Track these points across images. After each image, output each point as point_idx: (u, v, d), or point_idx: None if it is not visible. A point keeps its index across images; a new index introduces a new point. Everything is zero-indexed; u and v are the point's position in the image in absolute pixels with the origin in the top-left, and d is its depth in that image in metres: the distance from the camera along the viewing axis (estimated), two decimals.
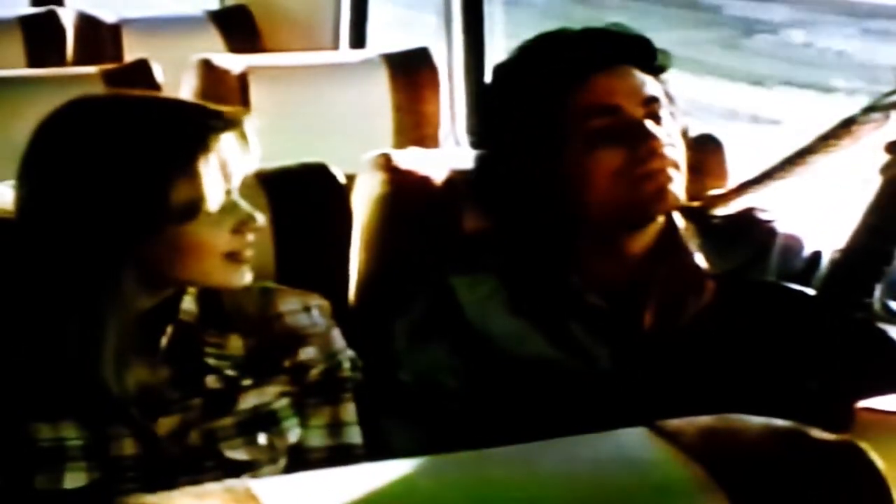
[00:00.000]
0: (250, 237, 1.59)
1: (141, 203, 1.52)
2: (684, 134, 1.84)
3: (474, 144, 1.88)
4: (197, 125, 1.56)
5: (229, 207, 1.57)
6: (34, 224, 1.56)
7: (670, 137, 1.78)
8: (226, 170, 1.56)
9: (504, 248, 1.85)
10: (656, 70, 1.83)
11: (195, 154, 1.54)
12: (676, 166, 1.77)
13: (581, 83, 1.77)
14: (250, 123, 1.60)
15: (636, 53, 1.82)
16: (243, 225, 1.58)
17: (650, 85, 1.80)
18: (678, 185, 1.77)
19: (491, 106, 1.88)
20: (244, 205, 1.59)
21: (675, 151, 1.78)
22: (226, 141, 1.57)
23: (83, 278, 1.53)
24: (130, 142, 1.54)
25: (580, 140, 1.76)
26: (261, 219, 1.61)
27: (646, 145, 1.74)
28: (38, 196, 1.57)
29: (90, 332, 1.53)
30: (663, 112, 1.79)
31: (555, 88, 1.78)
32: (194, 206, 1.54)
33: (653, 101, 1.79)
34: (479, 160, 1.86)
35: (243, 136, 1.59)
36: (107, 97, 1.67)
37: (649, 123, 1.76)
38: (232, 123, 1.58)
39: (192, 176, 1.53)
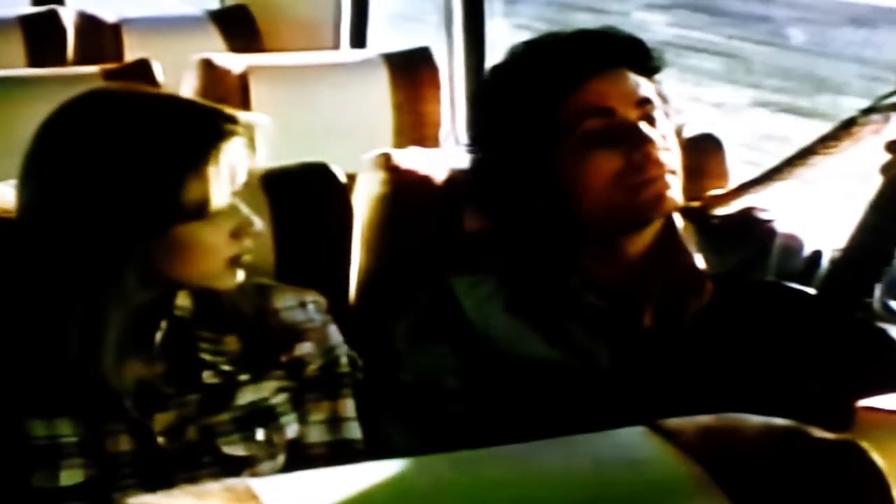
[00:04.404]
0: (248, 242, 1.59)
1: (153, 200, 1.52)
2: (678, 133, 1.84)
3: (470, 147, 1.88)
4: (212, 127, 1.56)
5: (230, 211, 1.57)
6: (40, 220, 1.55)
7: (666, 140, 1.77)
8: (234, 173, 1.57)
9: (504, 248, 1.85)
10: (650, 71, 1.83)
11: (208, 155, 1.54)
12: (673, 170, 1.77)
13: (575, 86, 1.77)
14: (260, 131, 1.61)
15: (629, 55, 1.82)
16: (242, 229, 1.58)
17: (644, 86, 1.80)
18: (676, 189, 1.77)
19: (486, 109, 1.87)
20: (244, 209, 1.59)
21: (671, 155, 1.77)
22: (236, 145, 1.57)
23: (87, 274, 1.52)
24: (146, 139, 1.54)
25: (575, 143, 1.76)
26: (259, 224, 1.61)
27: (641, 149, 1.74)
28: (47, 190, 1.55)
29: (91, 327, 1.53)
30: (657, 113, 1.79)
31: (548, 92, 1.77)
32: (202, 206, 1.54)
33: (647, 102, 1.78)
34: (476, 163, 1.86)
35: (252, 143, 1.60)
36: (118, 92, 1.65)
37: (644, 126, 1.76)
38: (245, 128, 1.59)
39: (203, 177, 1.54)
